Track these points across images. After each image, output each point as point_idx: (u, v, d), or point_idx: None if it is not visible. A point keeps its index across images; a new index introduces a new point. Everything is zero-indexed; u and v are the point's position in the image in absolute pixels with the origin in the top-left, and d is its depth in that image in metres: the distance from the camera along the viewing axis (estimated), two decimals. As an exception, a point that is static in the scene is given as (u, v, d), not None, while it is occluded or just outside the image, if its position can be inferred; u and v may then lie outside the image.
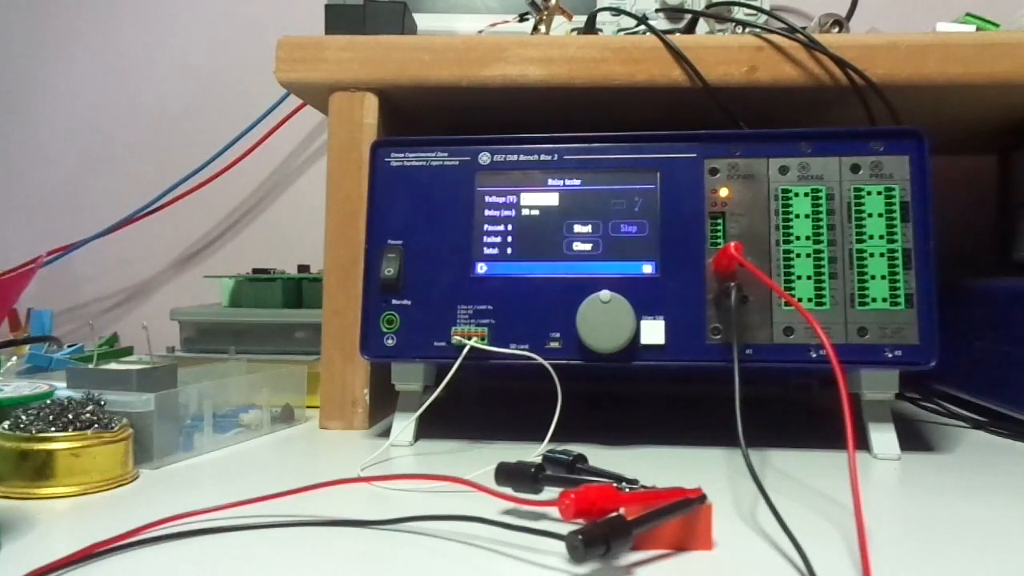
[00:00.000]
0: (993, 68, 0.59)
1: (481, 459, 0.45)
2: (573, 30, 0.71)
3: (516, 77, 0.61)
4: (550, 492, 0.40)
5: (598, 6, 0.72)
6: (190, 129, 1.04)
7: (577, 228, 0.55)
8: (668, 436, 0.58)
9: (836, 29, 0.66)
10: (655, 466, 0.51)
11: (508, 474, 0.42)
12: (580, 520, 0.34)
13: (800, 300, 0.53)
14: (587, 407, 0.70)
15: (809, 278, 0.53)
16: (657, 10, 0.73)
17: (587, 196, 0.56)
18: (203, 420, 0.55)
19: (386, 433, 0.58)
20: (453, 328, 0.54)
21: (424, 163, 0.57)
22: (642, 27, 0.64)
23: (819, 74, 0.59)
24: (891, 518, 0.42)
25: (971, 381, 0.67)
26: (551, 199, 0.56)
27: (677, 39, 0.60)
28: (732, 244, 0.51)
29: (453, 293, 0.55)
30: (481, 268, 0.55)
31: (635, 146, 0.56)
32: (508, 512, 0.40)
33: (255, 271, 0.82)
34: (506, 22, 0.76)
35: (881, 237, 0.53)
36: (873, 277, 0.53)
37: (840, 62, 0.58)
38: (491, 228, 0.56)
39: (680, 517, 0.35)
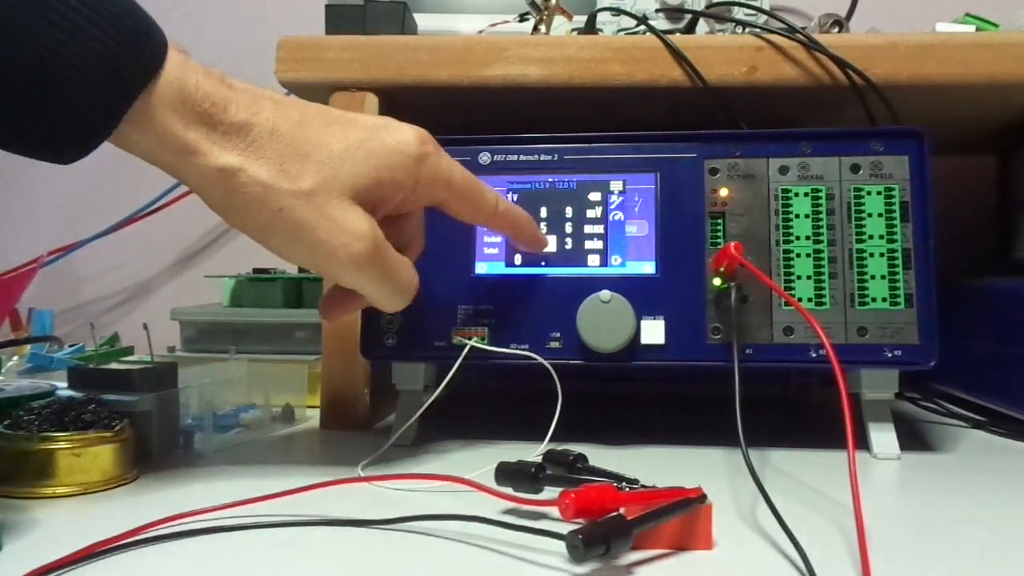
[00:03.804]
0: (993, 68, 0.59)
1: (481, 459, 0.45)
2: (573, 30, 0.71)
3: (516, 77, 0.61)
4: (550, 492, 0.40)
5: (598, 6, 0.72)
6: (190, 129, 1.04)
7: (577, 228, 0.55)
8: (668, 436, 0.58)
9: (836, 29, 0.66)
10: (655, 466, 0.51)
11: (508, 474, 0.42)
12: (580, 520, 0.34)
13: (800, 300, 0.53)
14: (587, 407, 0.70)
15: (809, 278, 0.53)
16: (657, 10, 0.73)
17: (587, 196, 0.55)
18: (203, 420, 0.55)
19: (386, 433, 0.58)
20: (453, 328, 0.54)
21: (424, 163, 0.57)
22: (642, 27, 0.64)
23: (819, 74, 0.59)
24: (891, 518, 0.42)
25: (971, 381, 0.67)
26: (551, 199, 0.56)
27: (677, 39, 0.60)
28: (732, 244, 0.51)
29: (453, 293, 0.55)
30: (481, 268, 0.55)
31: (635, 146, 0.56)
32: (508, 512, 0.40)
33: (255, 271, 0.82)
34: (506, 22, 0.76)
35: (881, 237, 0.53)
36: (873, 277, 0.53)
37: (840, 62, 0.58)
38: (491, 228, 0.56)
39: (680, 517, 0.35)
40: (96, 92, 0.37)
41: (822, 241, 0.53)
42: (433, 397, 0.54)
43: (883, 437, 0.53)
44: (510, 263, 0.55)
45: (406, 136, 0.44)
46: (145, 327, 0.60)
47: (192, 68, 0.40)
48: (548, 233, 0.55)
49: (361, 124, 0.44)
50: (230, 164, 0.40)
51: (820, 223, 0.54)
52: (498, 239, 0.56)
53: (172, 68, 0.39)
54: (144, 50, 0.38)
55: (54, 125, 0.37)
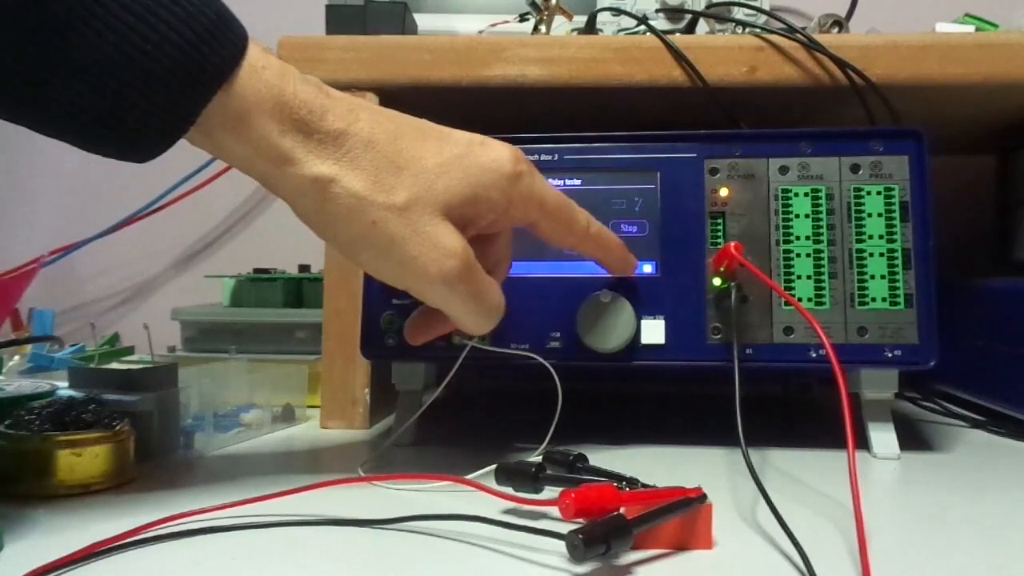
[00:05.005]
0: (992, 68, 0.59)
1: (481, 459, 0.45)
2: (573, 30, 0.71)
3: (516, 77, 0.61)
4: (550, 492, 0.40)
5: (598, 6, 0.72)
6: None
7: (577, 228, 0.55)
8: (668, 436, 0.58)
9: (836, 29, 0.66)
10: (655, 466, 0.51)
11: (508, 474, 0.42)
12: (580, 519, 0.34)
13: (800, 300, 0.53)
14: (587, 407, 0.70)
15: (809, 278, 0.53)
16: (657, 10, 0.73)
17: (587, 196, 0.55)
18: (204, 420, 0.55)
19: (386, 433, 0.58)
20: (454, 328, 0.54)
21: (424, 163, 0.57)
22: (642, 27, 0.64)
23: (819, 74, 0.59)
24: (891, 517, 0.42)
25: (971, 381, 0.67)
26: (551, 199, 0.56)
27: (677, 39, 0.60)
28: (732, 244, 0.51)
29: (453, 293, 0.55)
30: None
31: (635, 146, 0.56)
32: (508, 512, 0.40)
33: (256, 271, 0.82)
34: (506, 22, 0.76)
35: (881, 237, 0.53)
36: (873, 277, 0.53)
37: (840, 62, 0.58)
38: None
39: (680, 516, 0.35)
40: (176, 86, 0.36)
41: (822, 241, 0.53)
42: (433, 397, 0.54)
43: (883, 437, 0.53)
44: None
45: (501, 154, 0.43)
46: (145, 327, 0.60)
47: (290, 74, 0.39)
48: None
49: (456, 139, 0.43)
50: (324, 173, 0.39)
51: (820, 223, 0.54)
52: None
53: (271, 76, 0.38)
54: (226, 43, 0.37)
55: (133, 121, 0.36)
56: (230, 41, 0.37)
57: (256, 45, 0.39)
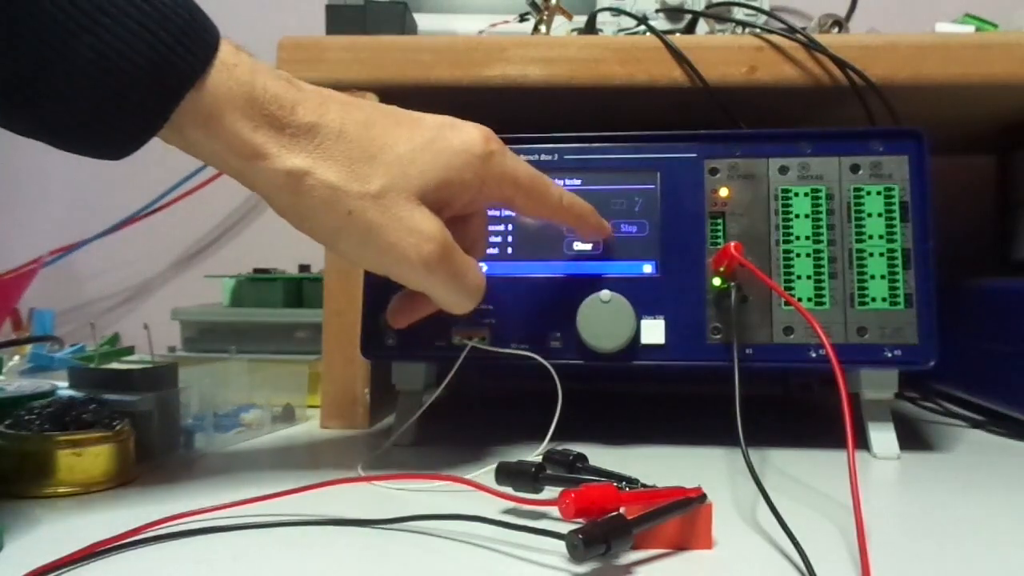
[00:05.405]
0: (992, 68, 0.59)
1: (481, 459, 0.45)
2: (573, 30, 0.71)
3: (516, 77, 0.61)
4: (550, 491, 0.40)
5: (598, 6, 0.72)
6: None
7: (577, 228, 0.55)
8: (668, 436, 0.58)
9: (836, 29, 0.66)
10: (655, 466, 0.51)
11: (508, 474, 0.42)
12: (580, 519, 0.34)
13: (800, 300, 0.53)
14: (587, 407, 0.70)
15: (809, 278, 0.53)
16: (657, 10, 0.73)
17: (587, 196, 0.55)
18: (204, 420, 0.55)
19: (387, 433, 0.58)
20: (453, 328, 0.54)
21: (424, 163, 0.57)
22: (642, 27, 0.64)
23: (819, 74, 0.59)
24: (891, 517, 0.42)
25: (970, 381, 0.67)
26: (551, 199, 0.56)
27: (677, 39, 0.60)
28: (732, 244, 0.51)
29: (453, 293, 0.55)
30: (481, 268, 0.55)
31: (635, 146, 0.56)
32: (508, 511, 0.40)
33: (256, 271, 0.82)
34: (506, 22, 0.76)
35: (881, 237, 0.53)
36: (873, 277, 0.53)
37: (840, 62, 0.58)
38: (491, 228, 0.56)
39: (680, 516, 0.35)
40: (150, 86, 0.36)
41: (822, 241, 0.53)
42: (433, 397, 0.54)
43: (883, 437, 0.53)
44: (510, 263, 0.55)
45: (472, 135, 0.44)
46: (145, 327, 0.60)
47: (261, 70, 0.40)
48: (548, 233, 0.55)
49: (427, 124, 0.44)
50: (298, 167, 0.40)
51: (820, 223, 0.54)
52: (498, 239, 0.55)
53: (242, 73, 0.39)
54: (199, 43, 0.37)
55: (106, 120, 0.36)
56: (203, 41, 0.38)
57: (228, 43, 0.39)
